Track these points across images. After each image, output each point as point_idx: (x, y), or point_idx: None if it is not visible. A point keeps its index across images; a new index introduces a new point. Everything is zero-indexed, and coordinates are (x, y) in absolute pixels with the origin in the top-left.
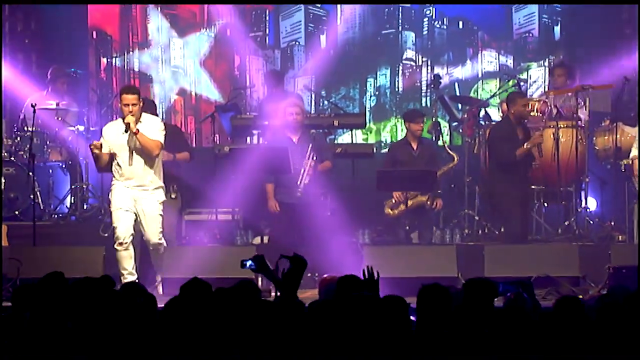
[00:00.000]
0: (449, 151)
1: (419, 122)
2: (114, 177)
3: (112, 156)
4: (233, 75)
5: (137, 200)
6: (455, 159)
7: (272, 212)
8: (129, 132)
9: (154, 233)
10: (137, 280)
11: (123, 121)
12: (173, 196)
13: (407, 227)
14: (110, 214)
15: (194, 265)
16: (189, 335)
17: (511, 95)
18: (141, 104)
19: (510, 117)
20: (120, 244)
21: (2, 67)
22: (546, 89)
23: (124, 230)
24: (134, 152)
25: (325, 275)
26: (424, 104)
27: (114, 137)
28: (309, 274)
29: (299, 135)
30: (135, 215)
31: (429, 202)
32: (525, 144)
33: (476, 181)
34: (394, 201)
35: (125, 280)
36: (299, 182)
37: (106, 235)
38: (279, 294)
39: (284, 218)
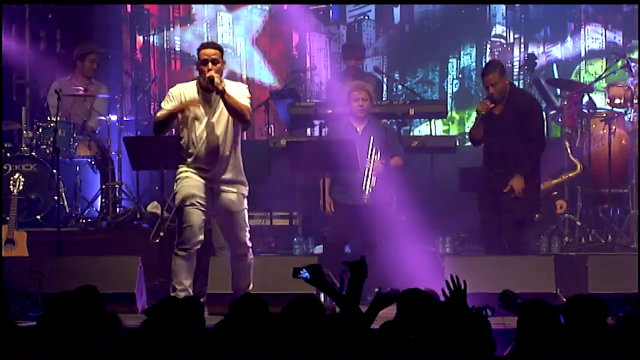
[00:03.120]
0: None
1: None
2: (182, 163)
3: (183, 124)
4: (291, 55)
5: (215, 194)
6: (579, 167)
7: (328, 214)
8: (208, 94)
9: (241, 234)
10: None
11: (202, 81)
12: None
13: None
14: (146, 218)
15: None
16: None
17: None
18: (224, 65)
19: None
20: (186, 249)
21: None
22: None
23: (195, 231)
24: (216, 125)
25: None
26: None
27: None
28: (376, 289)
29: (364, 124)
30: (207, 215)
31: None
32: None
33: (579, 180)
34: None
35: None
36: (364, 186)
37: (157, 241)
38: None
39: (346, 223)
